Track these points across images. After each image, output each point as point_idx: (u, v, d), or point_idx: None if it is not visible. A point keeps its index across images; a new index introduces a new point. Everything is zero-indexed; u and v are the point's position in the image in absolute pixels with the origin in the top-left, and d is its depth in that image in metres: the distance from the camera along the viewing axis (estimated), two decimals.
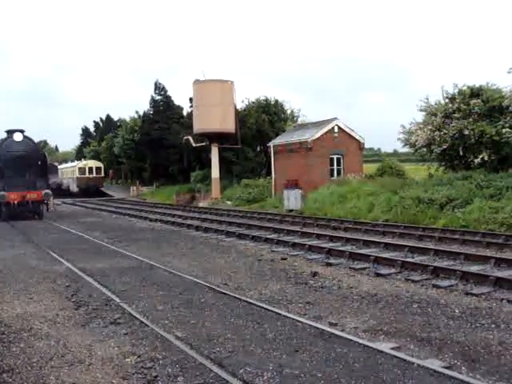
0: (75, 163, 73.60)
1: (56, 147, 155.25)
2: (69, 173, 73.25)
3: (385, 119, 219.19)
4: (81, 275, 12.75)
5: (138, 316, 8.82)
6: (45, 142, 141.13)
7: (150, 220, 29.35)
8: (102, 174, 71.11)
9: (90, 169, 69.04)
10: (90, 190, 66.42)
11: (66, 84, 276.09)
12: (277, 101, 51.74)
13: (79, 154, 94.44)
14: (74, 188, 68.86)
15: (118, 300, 10.03)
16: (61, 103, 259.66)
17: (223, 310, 9.21)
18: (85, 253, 16.64)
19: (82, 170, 68.51)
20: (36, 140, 34.52)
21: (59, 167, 77.94)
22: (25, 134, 30.86)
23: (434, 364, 6.40)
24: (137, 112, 70.69)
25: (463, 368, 6.44)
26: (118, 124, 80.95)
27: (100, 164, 71.95)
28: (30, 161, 30.46)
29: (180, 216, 31.63)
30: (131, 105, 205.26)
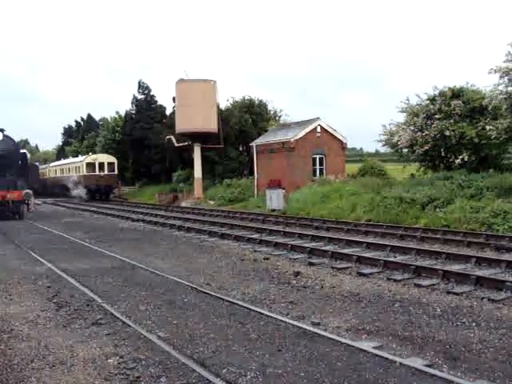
0: (80, 158, 58.98)
1: (36, 147, 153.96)
2: (70, 170, 58.95)
3: (367, 119, 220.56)
4: (62, 276, 12.65)
5: (120, 316, 8.77)
6: (25, 142, 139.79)
7: (133, 220, 29.21)
8: (116, 172, 55.86)
9: (101, 165, 54.70)
10: (101, 191, 54.92)
11: (42, 84, 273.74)
12: (260, 101, 51.77)
13: (60, 154, 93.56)
14: (78, 190, 54.58)
15: (99, 300, 9.96)
16: (38, 103, 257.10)
17: (206, 310, 9.19)
18: (66, 253, 16.52)
19: (91, 167, 54.12)
20: (16, 139, 34.14)
21: (52, 164, 69.82)
22: (5, 133, 30.50)
23: (416, 362, 6.44)
24: (117, 112, 70.21)
25: (445, 366, 6.48)
26: (100, 123, 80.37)
27: (113, 158, 56.44)
28: (11, 160, 30.11)
29: (162, 216, 31.51)
30: (110, 104, 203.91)
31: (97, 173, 53.83)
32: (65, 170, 61.91)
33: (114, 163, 55.61)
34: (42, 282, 11.95)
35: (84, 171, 53.94)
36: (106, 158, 55.90)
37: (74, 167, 57.65)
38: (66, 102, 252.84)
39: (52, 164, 70.79)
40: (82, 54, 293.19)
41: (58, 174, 64.94)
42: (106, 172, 54.44)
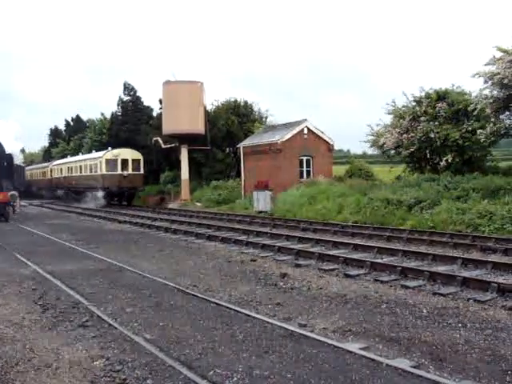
0: (97, 154, 48.07)
1: (22, 148, 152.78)
2: (83, 169, 49.60)
3: (354, 121, 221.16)
4: (48, 278, 12.57)
5: (106, 319, 8.73)
6: None
7: (119, 222, 29.11)
8: (142, 171, 46.32)
9: (125, 162, 44.85)
10: (123, 195, 45.84)
11: (22, 85, 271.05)
12: (246, 102, 51.76)
13: (47, 155, 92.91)
14: (94, 193, 44.89)
15: (86, 303, 9.91)
16: (19, 104, 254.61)
17: (192, 311, 9.17)
18: (52, 255, 16.41)
19: (112, 164, 44.47)
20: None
21: (56, 163, 60.55)
22: None
23: (403, 363, 6.46)
24: (102, 114, 69.88)
25: (431, 367, 6.51)
26: (87, 125, 79.98)
27: (138, 154, 46.38)
28: None
29: (149, 218, 31.41)
30: (96, 105, 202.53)
31: (119, 172, 44.33)
32: (75, 168, 52.13)
33: (139, 160, 45.90)
34: (28, 285, 11.86)
35: (103, 170, 44.44)
36: (130, 154, 45.87)
37: (89, 165, 48.04)
38: (50, 103, 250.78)
39: (56, 162, 61.67)
40: (63, 55, 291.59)
41: (64, 173, 55.38)
42: (130, 171, 44.84)
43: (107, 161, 44.43)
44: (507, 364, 6.57)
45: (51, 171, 60.26)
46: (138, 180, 45.43)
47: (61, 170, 56.91)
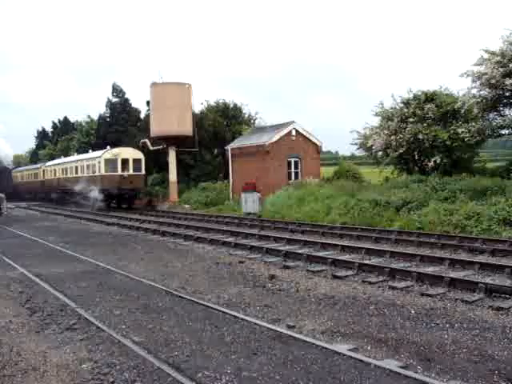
0: (96, 153, 44.39)
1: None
2: (80, 170, 46.24)
3: (342, 122, 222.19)
4: (35, 280, 12.50)
5: (94, 321, 8.69)
6: None
7: (107, 224, 28.98)
8: (143, 171, 43.15)
9: (125, 162, 41.60)
10: (124, 197, 42.47)
11: (8, 86, 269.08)
12: (235, 104, 51.78)
13: (34, 157, 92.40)
14: (92, 195, 41.45)
15: (73, 305, 9.86)
16: (5, 106, 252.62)
17: (181, 314, 9.15)
18: (40, 258, 16.32)
19: (111, 164, 41.18)
20: None
21: (50, 163, 56.98)
22: None
23: (391, 364, 6.48)
24: (89, 116, 69.63)
25: (419, 367, 6.53)
26: (74, 127, 79.63)
27: (140, 154, 43.09)
28: None
29: (137, 220, 31.29)
30: (84, 107, 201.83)
31: (119, 172, 40.98)
32: (71, 169, 48.77)
33: (140, 159, 42.55)
34: (15, 287, 11.79)
35: (102, 170, 41.16)
36: (131, 153, 42.51)
37: (86, 166, 44.82)
38: (36, 105, 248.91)
39: (50, 163, 58.25)
40: (50, 57, 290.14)
41: (58, 174, 52.10)
42: (131, 171, 41.53)
43: (106, 161, 41.11)
44: (494, 364, 6.60)
45: (44, 172, 57.29)
46: (139, 181, 42.26)
47: (54, 171, 53.63)
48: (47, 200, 54.81)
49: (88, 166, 44.20)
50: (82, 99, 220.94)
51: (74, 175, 47.07)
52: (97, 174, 41.74)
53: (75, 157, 51.59)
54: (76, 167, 47.32)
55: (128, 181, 40.85)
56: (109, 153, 41.54)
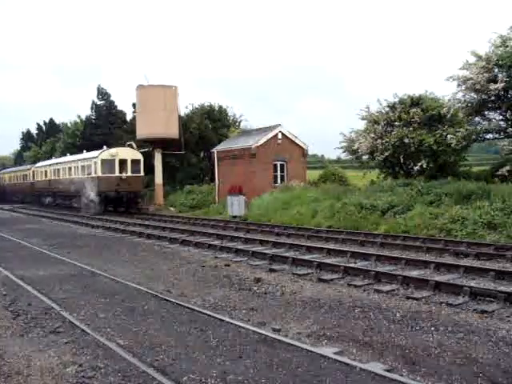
0: (92, 153, 41.43)
1: None
2: (75, 171, 43.52)
3: (328, 125, 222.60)
4: (19, 283, 12.40)
5: (79, 324, 8.63)
6: None
7: (92, 226, 28.82)
8: (142, 173, 40.43)
9: (123, 163, 39.09)
10: (122, 200, 39.85)
11: None
12: (220, 107, 51.79)
13: (18, 159, 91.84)
14: (87, 198, 38.95)
15: (58, 308, 9.79)
16: None
17: (166, 317, 9.11)
18: (24, 260, 16.20)
19: (108, 165, 38.60)
20: None
21: (40, 164, 54.84)
22: None
23: (376, 367, 6.49)
24: (79, 116, 69.33)
25: (404, 370, 6.55)
26: (60, 128, 79.27)
27: (138, 154, 40.65)
28: None
29: (122, 222, 31.13)
30: (68, 109, 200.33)
31: (116, 174, 38.57)
32: (64, 170, 46.17)
33: (139, 160, 40.01)
34: None
35: (98, 172, 38.54)
36: (129, 154, 40.01)
37: (81, 167, 42.15)
38: (19, 105, 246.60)
39: (40, 164, 56.04)
40: (32, 56, 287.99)
41: (50, 176, 49.66)
42: (129, 173, 39.03)
43: (103, 161, 38.54)
44: (479, 367, 6.63)
45: (34, 174, 54.92)
46: (137, 183, 39.56)
47: (45, 172, 51.15)
48: (37, 203, 52.78)
49: (83, 167, 41.76)
50: (68, 100, 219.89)
51: (68, 176, 44.83)
52: (93, 175, 39.21)
53: (69, 157, 48.94)
54: (70, 168, 44.93)
55: (126, 183, 38.50)
56: (106, 153, 39.13)
